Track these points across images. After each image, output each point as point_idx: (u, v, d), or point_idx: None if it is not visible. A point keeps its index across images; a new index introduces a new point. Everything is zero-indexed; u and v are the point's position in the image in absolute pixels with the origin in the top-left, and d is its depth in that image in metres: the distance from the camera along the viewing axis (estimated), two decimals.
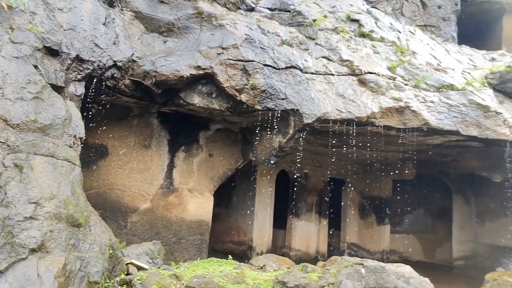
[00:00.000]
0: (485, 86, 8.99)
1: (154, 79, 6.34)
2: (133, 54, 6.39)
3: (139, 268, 4.89)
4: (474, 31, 16.09)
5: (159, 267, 5.05)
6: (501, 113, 8.00)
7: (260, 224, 10.41)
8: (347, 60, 7.82)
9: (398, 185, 12.22)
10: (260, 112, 6.87)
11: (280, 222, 11.25)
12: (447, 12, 13.04)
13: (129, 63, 6.33)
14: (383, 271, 5.10)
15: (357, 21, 8.95)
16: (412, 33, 10.32)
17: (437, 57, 9.97)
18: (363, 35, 8.79)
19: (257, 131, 7.62)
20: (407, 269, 5.70)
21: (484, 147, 8.72)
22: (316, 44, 7.89)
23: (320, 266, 5.84)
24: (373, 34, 8.91)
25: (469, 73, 9.99)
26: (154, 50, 6.71)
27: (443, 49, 11.34)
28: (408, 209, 12.99)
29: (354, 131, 7.27)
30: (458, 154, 9.72)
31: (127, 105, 7.36)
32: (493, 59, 12.48)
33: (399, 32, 9.77)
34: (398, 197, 12.17)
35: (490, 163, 9.59)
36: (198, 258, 6.89)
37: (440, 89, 8.04)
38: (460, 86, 8.28)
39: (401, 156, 10.74)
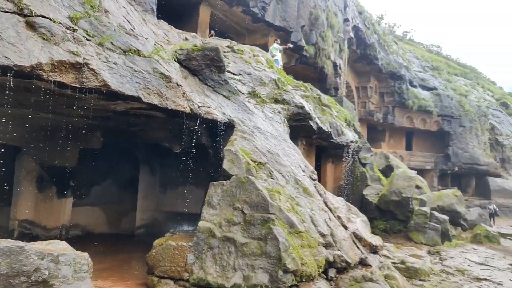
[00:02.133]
0: (173, 59, 9.25)
1: None
2: None
3: None
4: (177, 12, 16.92)
5: None
6: (181, 86, 8.33)
7: None
8: None
9: (87, 154, 11.33)
10: None
11: None
12: None
13: None
14: (22, 252, 4.15)
15: None
16: None
17: (131, 23, 9.55)
18: None
19: None
20: (60, 246, 4.95)
21: (167, 118, 8.95)
22: None
23: None
24: None
25: (161, 45, 10.09)
26: None
27: (140, 18, 11.09)
28: (96, 180, 12.32)
29: (12, 83, 5.85)
30: (144, 124, 9.71)
31: None
32: (186, 39, 13.29)
33: None
34: (85, 168, 11.29)
35: (172, 134, 10.06)
36: None
37: (126, 52, 7.61)
38: (147, 53, 8.13)
39: (89, 122, 9.92)
